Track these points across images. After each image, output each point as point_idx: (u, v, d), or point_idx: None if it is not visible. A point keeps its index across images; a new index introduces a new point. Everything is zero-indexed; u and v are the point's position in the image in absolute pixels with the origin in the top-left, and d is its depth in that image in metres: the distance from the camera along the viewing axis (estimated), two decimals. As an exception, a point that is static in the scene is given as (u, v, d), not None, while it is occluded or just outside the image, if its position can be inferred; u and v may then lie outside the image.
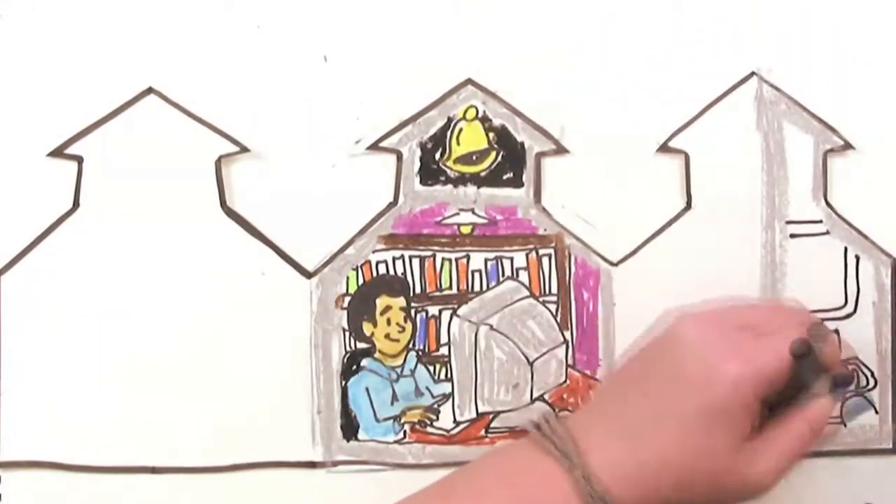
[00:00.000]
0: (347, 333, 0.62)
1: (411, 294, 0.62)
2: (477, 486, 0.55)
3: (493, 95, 0.62)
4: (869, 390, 0.62)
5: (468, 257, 0.62)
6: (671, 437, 0.53)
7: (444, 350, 0.62)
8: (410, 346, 0.62)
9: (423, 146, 0.62)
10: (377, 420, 0.62)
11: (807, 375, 0.56)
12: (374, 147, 0.62)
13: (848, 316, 0.62)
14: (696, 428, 0.53)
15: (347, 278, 0.62)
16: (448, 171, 0.62)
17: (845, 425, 0.62)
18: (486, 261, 0.62)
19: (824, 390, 0.56)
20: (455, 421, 0.62)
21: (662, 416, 0.54)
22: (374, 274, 0.62)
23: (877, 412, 0.62)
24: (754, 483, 0.54)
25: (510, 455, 0.56)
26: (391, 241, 0.62)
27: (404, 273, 0.62)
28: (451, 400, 0.62)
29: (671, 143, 0.62)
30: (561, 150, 0.62)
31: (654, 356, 0.57)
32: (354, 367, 0.62)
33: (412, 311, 0.62)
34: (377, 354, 0.62)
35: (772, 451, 0.55)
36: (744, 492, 0.54)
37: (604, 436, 0.54)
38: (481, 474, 0.55)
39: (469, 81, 0.62)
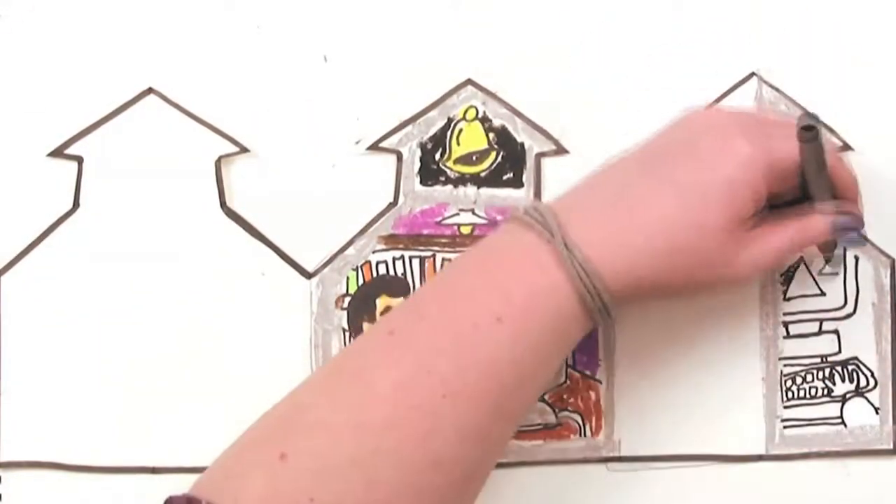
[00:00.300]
0: (347, 334, 0.62)
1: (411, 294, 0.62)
2: (460, 263, 0.54)
3: (493, 96, 0.62)
4: (868, 391, 0.62)
5: (468, 257, 0.62)
6: (667, 205, 0.51)
7: (444, 350, 0.62)
8: (410, 346, 0.62)
9: (423, 146, 0.62)
10: (377, 420, 0.62)
11: (815, 185, 0.55)
12: (374, 147, 0.62)
13: (848, 316, 0.62)
14: (696, 198, 0.51)
15: (347, 279, 0.62)
16: (448, 171, 0.62)
17: (845, 425, 0.62)
18: (486, 261, 0.62)
19: (827, 211, 0.55)
20: (455, 421, 0.62)
21: (660, 184, 0.52)
22: (375, 274, 0.62)
23: (877, 411, 0.62)
24: (733, 269, 0.53)
25: (494, 236, 0.55)
26: (391, 241, 0.62)
27: (404, 273, 0.62)
28: (451, 400, 0.62)
29: (671, 144, 0.62)
30: (561, 150, 0.62)
31: (660, 137, 0.55)
32: (354, 367, 0.62)
33: (412, 312, 0.62)
34: (377, 354, 0.62)
35: (758, 244, 0.53)
36: (722, 274, 0.53)
37: (590, 208, 0.52)
38: (466, 254, 0.54)
39: (469, 82, 0.62)
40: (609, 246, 0.51)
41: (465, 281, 0.52)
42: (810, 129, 0.53)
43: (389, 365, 0.49)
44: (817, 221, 0.56)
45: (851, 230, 0.57)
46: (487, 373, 0.49)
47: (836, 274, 0.62)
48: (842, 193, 0.57)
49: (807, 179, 0.55)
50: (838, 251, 0.61)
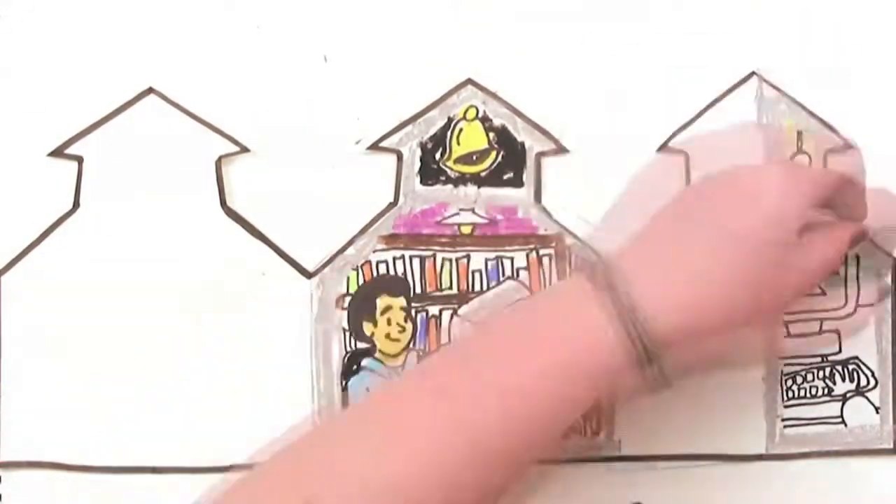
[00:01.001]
0: (348, 333, 0.62)
1: (412, 294, 0.62)
2: (512, 316, 0.55)
3: (494, 95, 0.62)
4: (869, 390, 0.62)
5: (469, 257, 0.62)
6: (720, 253, 0.51)
7: (444, 350, 0.62)
8: (411, 346, 0.62)
9: (423, 146, 0.62)
10: (377, 420, 0.62)
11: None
12: (375, 147, 0.62)
13: (848, 316, 0.62)
14: (742, 236, 0.51)
15: (348, 278, 0.62)
16: (448, 170, 0.62)
17: (845, 425, 0.62)
18: (486, 261, 0.62)
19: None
20: (455, 421, 0.62)
21: (709, 235, 0.51)
22: (375, 274, 0.62)
23: (877, 411, 0.62)
24: (806, 275, 0.53)
25: (551, 290, 0.56)
26: (392, 241, 0.62)
27: (405, 273, 0.62)
28: (451, 400, 0.62)
29: (671, 143, 0.62)
30: (561, 149, 0.62)
31: (704, 186, 0.55)
32: (355, 367, 0.62)
33: (413, 311, 0.62)
34: (378, 354, 0.62)
35: (820, 242, 0.54)
36: (799, 283, 0.53)
37: (649, 264, 0.51)
38: (519, 307, 0.56)
39: (469, 81, 0.62)
40: (669, 298, 0.50)
41: (514, 335, 0.52)
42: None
43: (431, 425, 0.49)
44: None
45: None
46: (526, 430, 0.50)
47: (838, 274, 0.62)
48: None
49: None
50: None
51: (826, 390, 0.62)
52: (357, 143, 0.62)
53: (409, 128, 0.62)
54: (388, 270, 0.62)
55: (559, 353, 0.50)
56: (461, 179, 0.62)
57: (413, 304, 0.62)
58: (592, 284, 0.51)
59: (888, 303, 0.62)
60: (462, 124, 0.62)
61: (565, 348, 0.50)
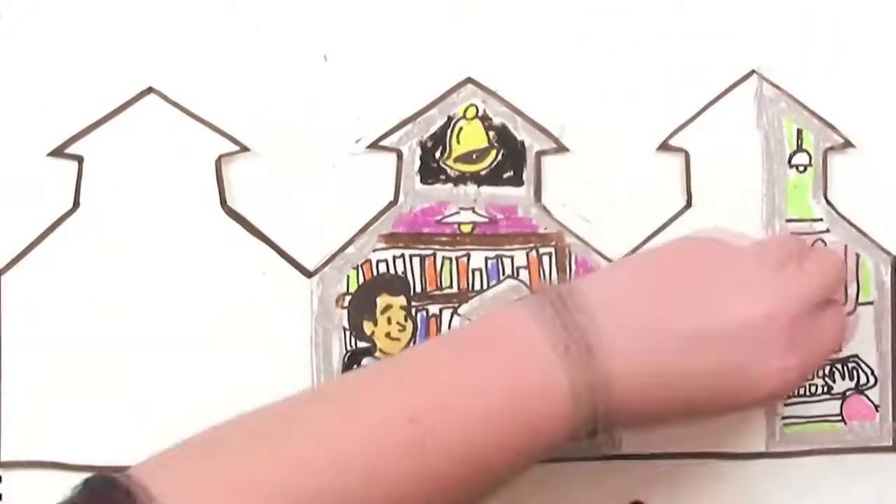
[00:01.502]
0: (348, 332, 0.62)
1: (412, 293, 0.62)
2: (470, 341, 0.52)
3: (494, 94, 0.62)
4: (868, 388, 0.63)
5: (469, 256, 0.62)
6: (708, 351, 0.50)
7: (444, 349, 0.62)
8: (411, 344, 0.62)
9: (423, 145, 0.62)
10: (378, 419, 0.62)
11: None
12: (375, 146, 0.62)
13: (848, 314, 0.62)
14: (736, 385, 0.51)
15: (348, 277, 0.62)
16: (448, 169, 0.62)
17: (845, 423, 0.62)
18: (486, 259, 0.62)
19: None
20: (456, 420, 0.62)
21: (706, 338, 0.50)
22: (375, 273, 0.62)
23: (877, 409, 0.63)
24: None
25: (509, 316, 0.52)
26: (391, 239, 0.62)
27: (405, 272, 0.62)
28: (451, 399, 0.62)
29: (671, 142, 0.62)
30: (561, 148, 0.62)
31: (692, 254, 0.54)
32: (355, 366, 0.62)
33: (413, 310, 0.62)
34: (378, 353, 0.62)
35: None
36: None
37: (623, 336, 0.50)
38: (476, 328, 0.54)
39: (469, 80, 0.62)
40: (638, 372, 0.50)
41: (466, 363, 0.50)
42: None
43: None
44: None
45: None
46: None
47: None
48: None
49: None
50: None
51: (825, 388, 0.62)
52: (357, 142, 0.62)
53: (408, 127, 0.62)
54: (388, 269, 0.62)
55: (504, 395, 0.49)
56: (461, 178, 0.62)
57: (413, 303, 0.62)
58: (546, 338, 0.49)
59: (888, 301, 0.62)
60: (462, 123, 0.62)
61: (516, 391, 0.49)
